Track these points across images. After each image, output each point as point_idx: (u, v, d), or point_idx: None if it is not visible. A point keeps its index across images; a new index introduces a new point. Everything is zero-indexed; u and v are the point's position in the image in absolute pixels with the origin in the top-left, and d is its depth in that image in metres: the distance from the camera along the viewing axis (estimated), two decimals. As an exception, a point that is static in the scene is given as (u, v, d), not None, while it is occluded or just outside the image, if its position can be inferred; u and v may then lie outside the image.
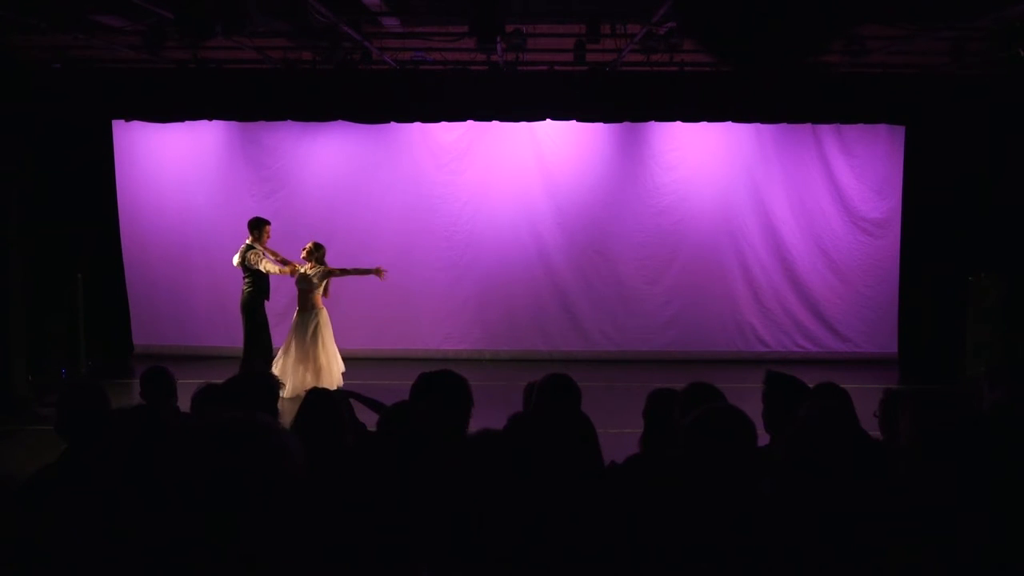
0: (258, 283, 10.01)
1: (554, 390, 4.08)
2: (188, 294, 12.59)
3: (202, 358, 11.80)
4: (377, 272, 10.06)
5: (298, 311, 10.03)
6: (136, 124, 11.93)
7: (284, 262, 10.14)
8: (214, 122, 12.04)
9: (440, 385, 3.82)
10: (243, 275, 10.08)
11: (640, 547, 2.74)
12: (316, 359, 9.85)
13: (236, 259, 10.06)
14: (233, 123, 12.19)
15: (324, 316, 10.02)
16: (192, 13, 6.89)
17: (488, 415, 3.72)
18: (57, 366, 10.93)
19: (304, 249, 9.99)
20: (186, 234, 12.52)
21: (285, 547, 1.95)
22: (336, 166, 12.51)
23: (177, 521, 1.92)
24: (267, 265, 9.93)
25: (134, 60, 9.77)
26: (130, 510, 2.49)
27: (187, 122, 11.69)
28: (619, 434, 4.84)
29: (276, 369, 9.64)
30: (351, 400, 4.65)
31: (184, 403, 4.77)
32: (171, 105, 10.71)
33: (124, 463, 2.83)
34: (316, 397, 3.97)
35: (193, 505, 1.90)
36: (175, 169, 12.51)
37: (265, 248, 10.12)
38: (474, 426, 3.79)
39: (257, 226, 10.11)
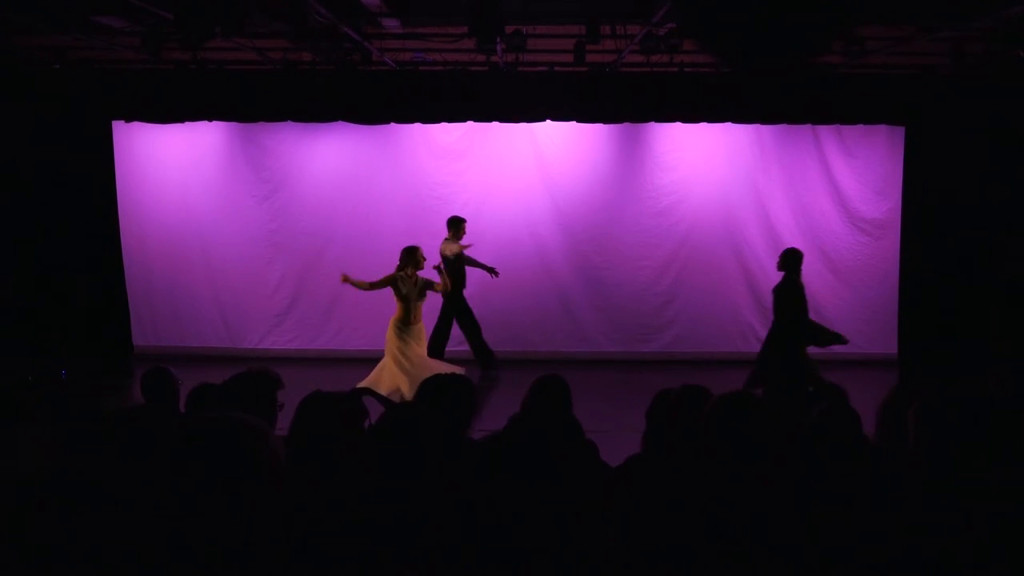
0: (454, 275, 10.50)
1: (541, 391, 4.13)
2: (188, 294, 12.58)
3: (202, 358, 11.78)
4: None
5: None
6: (136, 125, 11.92)
7: (480, 265, 10.86)
8: (214, 123, 12.04)
9: (446, 388, 3.87)
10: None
11: (639, 546, 2.73)
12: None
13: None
14: (233, 124, 12.17)
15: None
16: (192, 14, 6.90)
17: (488, 415, 3.74)
18: (57, 366, 10.92)
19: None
20: (186, 234, 12.51)
21: (266, 546, 1.95)
22: (336, 167, 12.50)
23: (169, 521, 1.92)
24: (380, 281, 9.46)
25: (134, 61, 9.78)
26: (128, 510, 2.49)
27: (187, 123, 11.68)
28: (619, 434, 4.84)
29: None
30: (365, 399, 4.64)
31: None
32: (171, 106, 10.72)
33: (123, 463, 2.83)
34: (313, 400, 3.96)
35: (177, 505, 1.90)
36: (175, 170, 12.49)
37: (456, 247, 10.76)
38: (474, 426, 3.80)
39: (454, 224, 10.81)
